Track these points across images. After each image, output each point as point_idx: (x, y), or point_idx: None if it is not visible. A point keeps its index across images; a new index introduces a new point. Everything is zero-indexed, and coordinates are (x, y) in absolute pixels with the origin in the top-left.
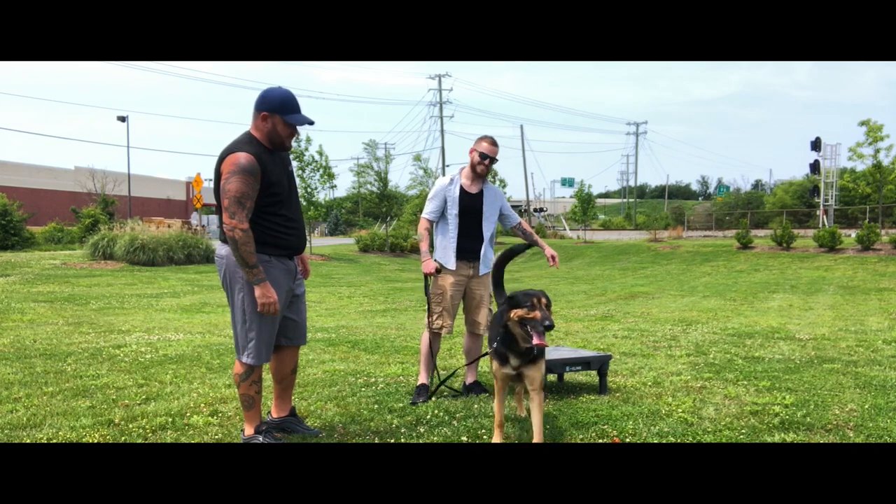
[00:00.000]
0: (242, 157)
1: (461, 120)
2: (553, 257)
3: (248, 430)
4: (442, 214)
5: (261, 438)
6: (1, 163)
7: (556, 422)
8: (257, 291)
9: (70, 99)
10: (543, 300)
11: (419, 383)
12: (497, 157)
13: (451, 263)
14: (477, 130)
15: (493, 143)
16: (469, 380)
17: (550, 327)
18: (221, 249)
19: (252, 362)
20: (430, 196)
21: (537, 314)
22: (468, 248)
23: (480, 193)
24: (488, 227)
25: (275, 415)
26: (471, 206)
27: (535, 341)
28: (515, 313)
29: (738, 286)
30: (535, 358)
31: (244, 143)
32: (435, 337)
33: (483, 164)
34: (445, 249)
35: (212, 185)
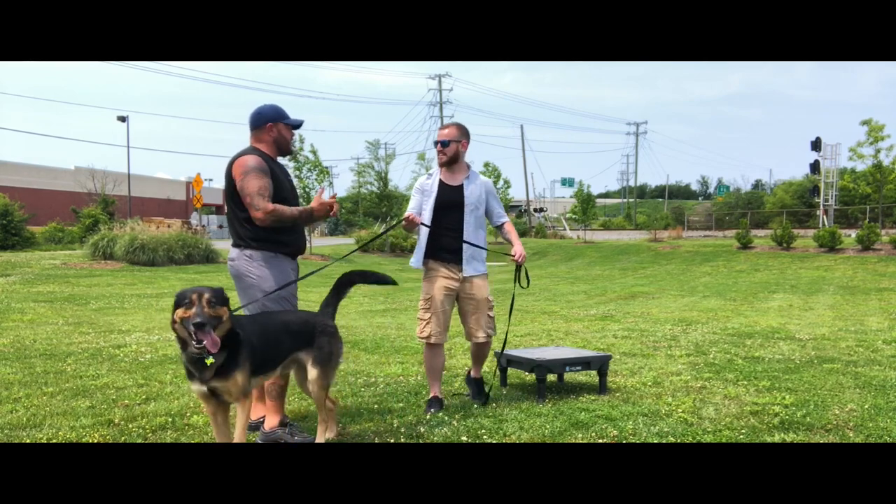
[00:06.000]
0: (250, 158)
1: (461, 120)
2: (519, 255)
3: (271, 423)
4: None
5: (287, 433)
6: (1, 163)
7: (556, 422)
8: (314, 203)
9: (70, 99)
10: (206, 295)
11: (430, 396)
12: (449, 139)
13: (417, 263)
14: (477, 130)
15: (442, 126)
16: (474, 374)
17: (200, 325)
18: (233, 252)
19: None
20: (412, 194)
21: (192, 311)
22: (445, 246)
23: (461, 186)
24: (472, 222)
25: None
26: (450, 200)
27: (203, 341)
28: (177, 314)
29: (738, 286)
30: (226, 369)
31: (249, 150)
32: (432, 348)
33: (438, 151)
34: (418, 248)
35: (212, 185)
